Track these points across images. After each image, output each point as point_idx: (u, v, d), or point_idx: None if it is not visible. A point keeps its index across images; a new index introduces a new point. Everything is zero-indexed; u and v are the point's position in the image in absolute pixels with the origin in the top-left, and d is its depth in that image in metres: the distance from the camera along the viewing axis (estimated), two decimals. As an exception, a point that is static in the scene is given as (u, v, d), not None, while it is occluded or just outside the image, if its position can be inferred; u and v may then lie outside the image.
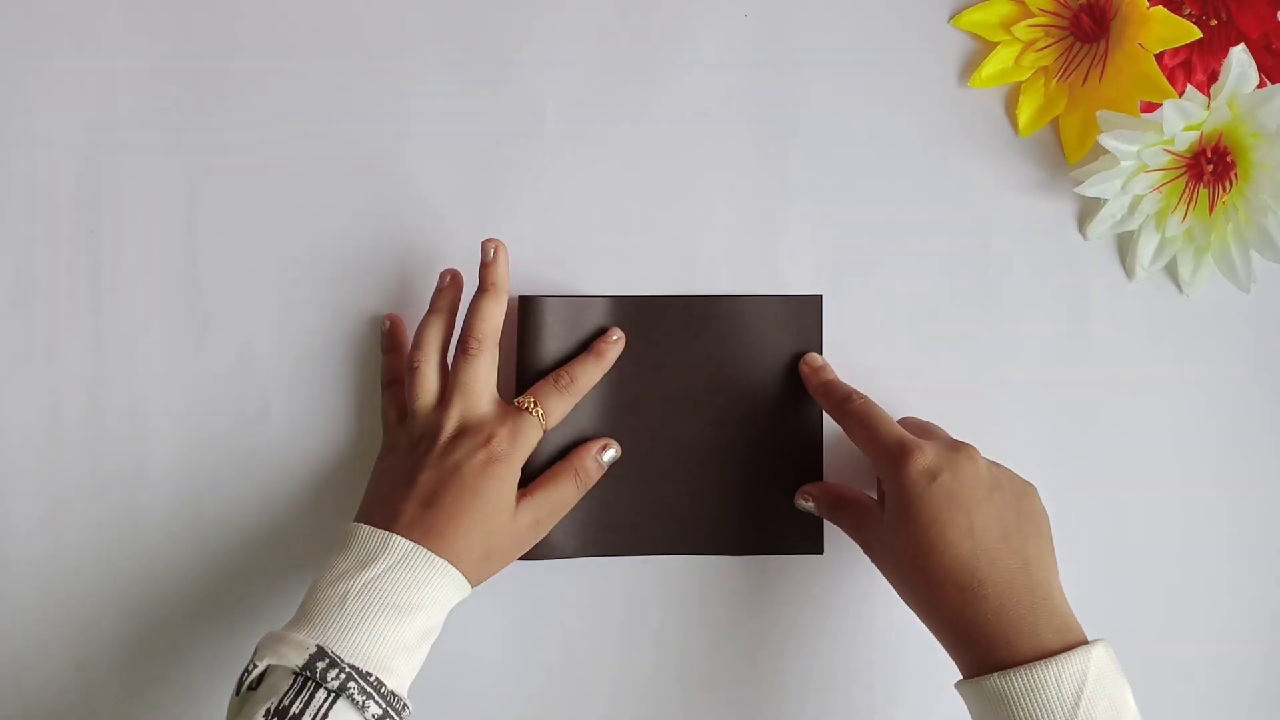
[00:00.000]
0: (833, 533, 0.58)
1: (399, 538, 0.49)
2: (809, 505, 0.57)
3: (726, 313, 0.58)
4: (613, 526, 0.58)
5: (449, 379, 0.54)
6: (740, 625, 0.59)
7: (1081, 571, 0.59)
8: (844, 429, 0.55)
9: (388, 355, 0.58)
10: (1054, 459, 0.59)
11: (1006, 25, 0.58)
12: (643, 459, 0.57)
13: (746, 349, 0.58)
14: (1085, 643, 0.46)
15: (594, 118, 0.59)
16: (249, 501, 0.58)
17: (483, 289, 0.55)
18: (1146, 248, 0.58)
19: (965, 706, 0.48)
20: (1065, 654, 0.45)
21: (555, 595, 0.58)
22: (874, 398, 0.55)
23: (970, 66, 0.59)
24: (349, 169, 0.59)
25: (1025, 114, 0.59)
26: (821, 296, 0.58)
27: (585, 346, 0.57)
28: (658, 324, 0.57)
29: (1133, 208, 0.57)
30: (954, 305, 0.59)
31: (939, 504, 0.48)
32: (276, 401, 0.58)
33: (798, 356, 0.58)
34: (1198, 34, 0.53)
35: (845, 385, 0.56)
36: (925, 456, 0.49)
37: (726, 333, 0.58)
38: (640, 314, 0.57)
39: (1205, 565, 0.59)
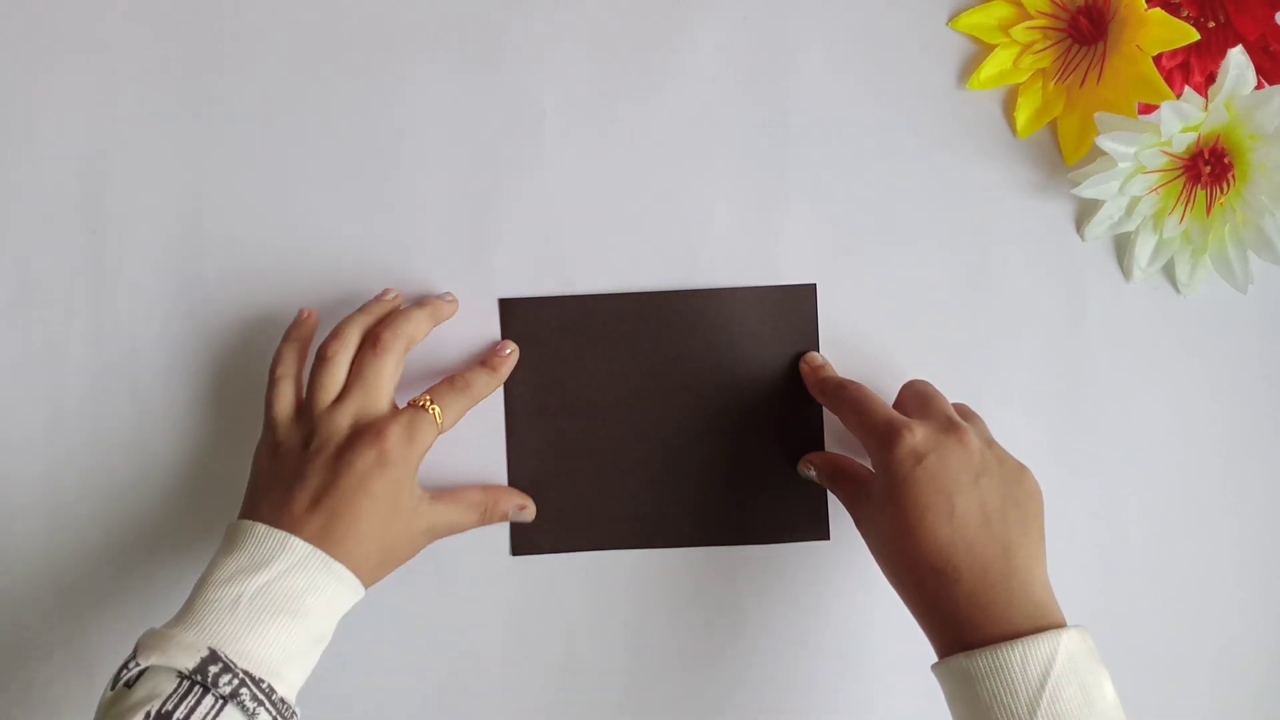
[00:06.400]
0: (839, 518, 0.58)
1: (297, 539, 0.48)
2: (810, 473, 0.57)
3: (722, 304, 0.58)
4: (617, 520, 0.58)
5: (350, 375, 0.53)
6: (747, 615, 0.59)
7: (1079, 572, 0.59)
8: (839, 417, 0.55)
9: (291, 345, 0.55)
10: (1051, 460, 0.58)
11: (1004, 27, 0.58)
12: (646, 453, 0.58)
13: (745, 340, 0.58)
14: (1058, 627, 0.46)
15: (593, 117, 0.59)
16: (249, 501, 0.58)
17: (421, 305, 0.56)
18: (1144, 249, 0.58)
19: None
20: (1032, 636, 0.45)
21: (557, 589, 0.59)
22: (872, 398, 0.55)
23: (968, 68, 0.59)
24: (349, 168, 0.59)
25: (1023, 116, 0.59)
26: (815, 285, 0.58)
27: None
28: (654, 319, 0.58)
29: (1130, 209, 0.58)
30: (951, 306, 0.59)
31: (922, 487, 0.48)
32: (277, 401, 0.58)
33: (796, 345, 0.58)
34: (1195, 36, 0.54)
35: (840, 377, 0.57)
36: (913, 437, 0.49)
37: (724, 324, 0.58)
38: (636, 310, 0.58)
39: (1204, 566, 0.59)
